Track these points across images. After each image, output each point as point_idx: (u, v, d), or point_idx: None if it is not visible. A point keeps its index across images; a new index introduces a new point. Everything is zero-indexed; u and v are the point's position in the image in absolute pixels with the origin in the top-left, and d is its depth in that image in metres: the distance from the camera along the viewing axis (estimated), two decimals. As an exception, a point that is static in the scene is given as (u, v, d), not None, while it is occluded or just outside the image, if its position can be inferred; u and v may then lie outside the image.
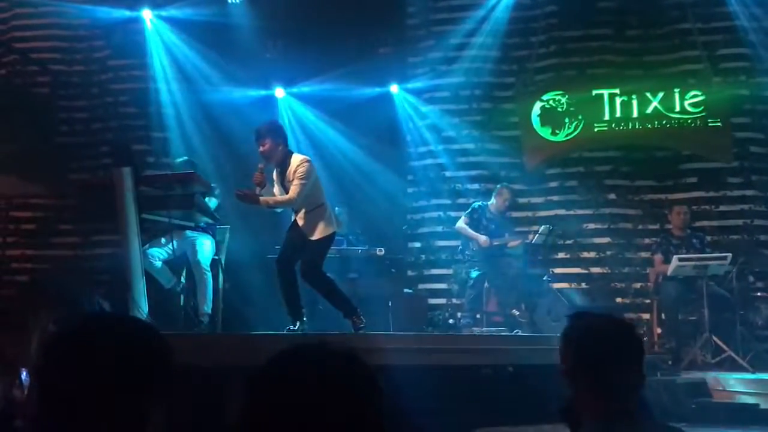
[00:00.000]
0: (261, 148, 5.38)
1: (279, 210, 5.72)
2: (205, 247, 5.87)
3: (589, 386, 1.87)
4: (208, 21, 8.85)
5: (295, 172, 5.28)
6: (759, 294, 7.31)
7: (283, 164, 5.39)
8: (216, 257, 6.04)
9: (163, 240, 5.80)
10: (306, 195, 5.29)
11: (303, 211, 5.36)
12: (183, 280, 5.98)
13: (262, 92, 9.33)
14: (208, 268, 5.83)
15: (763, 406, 5.49)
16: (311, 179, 5.33)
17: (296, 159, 5.37)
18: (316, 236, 5.34)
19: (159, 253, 5.77)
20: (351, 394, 1.15)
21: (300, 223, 5.36)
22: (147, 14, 9.03)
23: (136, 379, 1.26)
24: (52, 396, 1.25)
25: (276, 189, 5.43)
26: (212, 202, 5.97)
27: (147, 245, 5.60)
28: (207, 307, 5.76)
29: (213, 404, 3.93)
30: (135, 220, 4.83)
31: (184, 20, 8.97)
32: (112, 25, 9.16)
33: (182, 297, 5.96)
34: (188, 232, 5.84)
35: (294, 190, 5.24)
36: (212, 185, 6.01)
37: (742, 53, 8.79)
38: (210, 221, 5.80)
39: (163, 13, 9.05)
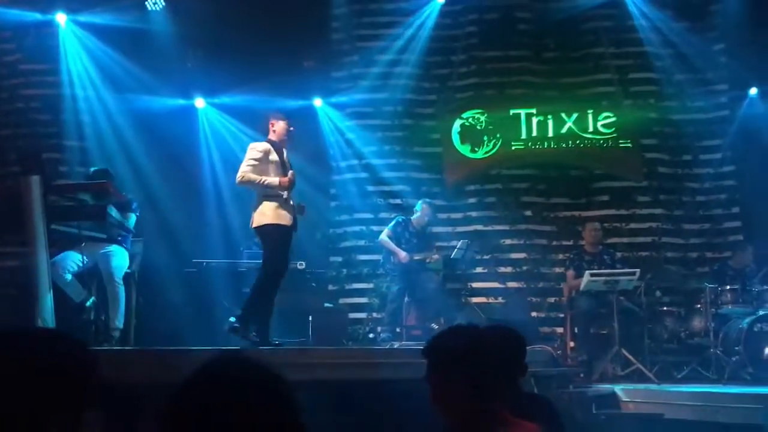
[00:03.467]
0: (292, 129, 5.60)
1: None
2: (118, 260, 5.69)
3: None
4: (127, 27, 8.59)
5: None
6: (665, 308, 7.60)
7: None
8: (129, 270, 5.86)
9: (73, 252, 5.59)
10: None
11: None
12: (94, 294, 5.76)
13: (182, 102, 9.15)
14: (121, 282, 5.65)
15: (667, 416, 5.71)
16: None
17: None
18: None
19: (69, 266, 5.55)
20: (267, 410, 1.14)
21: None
22: (61, 18, 8.71)
23: (39, 393, 1.22)
24: None
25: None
26: (131, 218, 5.80)
27: (56, 257, 5.38)
28: (119, 322, 5.58)
29: (124, 423, 3.80)
30: (43, 230, 4.63)
31: (101, 26, 8.67)
32: (23, 28, 8.79)
33: (93, 311, 5.74)
34: (100, 244, 5.64)
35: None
36: (129, 197, 5.84)
37: (652, 78, 9.24)
38: (123, 233, 5.63)
39: (80, 17, 8.74)
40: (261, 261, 5.61)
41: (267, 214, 5.35)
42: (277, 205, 5.38)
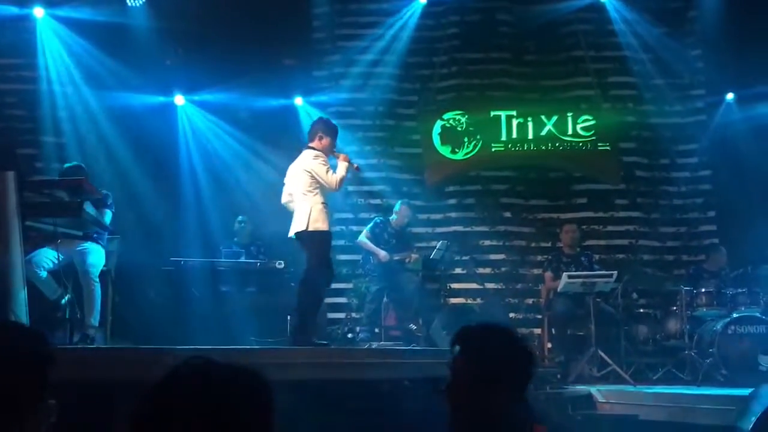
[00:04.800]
0: None
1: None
2: (94, 257, 5.62)
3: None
4: (106, 22, 8.48)
5: None
6: (642, 310, 7.68)
7: None
8: (105, 268, 5.80)
9: (48, 249, 5.52)
10: None
11: None
12: (69, 291, 5.69)
13: (162, 99, 9.07)
14: (97, 279, 5.58)
15: (642, 417, 5.77)
16: None
17: None
18: None
19: (44, 263, 5.48)
20: (241, 411, 1.14)
21: None
22: (39, 12, 8.59)
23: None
24: None
25: None
26: (107, 214, 5.73)
27: (31, 254, 5.31)
28: (95, 320, 5.51)
29: (100, 422, 3.76)
30: (18, 227, 4.56)
31: (80, 20, 8.55)
32: (-1, 22, 8.67)
33: (68, 309, 5.67)
34: (76, 241, 5.57)
35: None
36: (105, 192, 5.76)
37: (630, 82, 9.33)
38: (99, 230, 5.56)
39: (58, 12, 8.62)
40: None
41: (320, 220, 5.50)
42: (326, 212, 5.56)
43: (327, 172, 5.52)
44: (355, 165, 5.81)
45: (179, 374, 1.17)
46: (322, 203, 5.52)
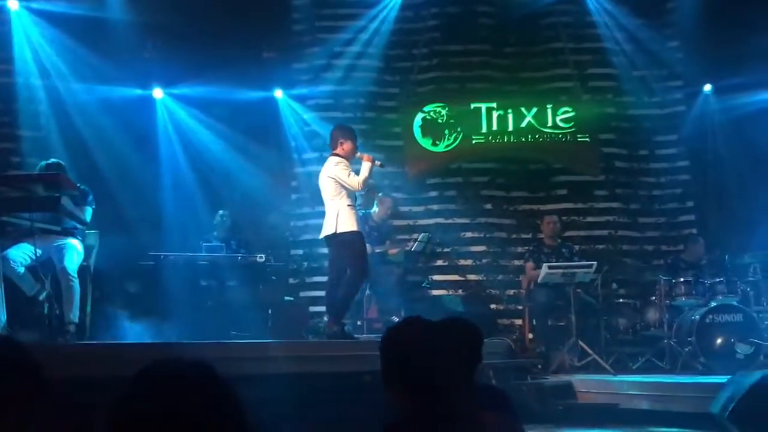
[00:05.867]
0: None
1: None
2: (72, 253, 5.56)
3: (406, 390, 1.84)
4: (84, 15, 8.38)
5: None
6: (621, 300, 7.75)
7: None
8: (85, 263, 5.74)
9: (25, 244, 5.45)
10: None
11: None
12: (48, 287, 5.63)
13: (140, 92, 8.98)
14: (76, 275, 5.52)
15: (622, 406, 5.83)
16: None
17: None
18: None
19: (21, 259, 5.41)
20: (206, 410, 1.13)
21: None
22: (13, 4, 8.46)
23: None
24: None
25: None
26: (87, 211, 5.67)
27: (8, 250, 5.25)
28: (74, 316, 5.45)
29: (80, 420, 3.73)
30: (-6, 223, 4.51)
31: (56, 13, 8.44)
32: (-29, 15, 8.53)
33: (46, 305, 5.62)
34: (54, 237, 5.51)
35: None
36: (84, 188, 5.69)
37: (610, 73, 9.37)
38: (78, 225, 5.50)
39: (33, 4, 8.50)
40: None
41: (348, 221, 5.79)
42: (354, 213, 5.87)
43: (348, 175, 5.80)
44: (378, 162, 6.04)
45: (143, 380, 1.17)
46: (349, 205, 5.83)
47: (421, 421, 1.79)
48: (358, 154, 6.00)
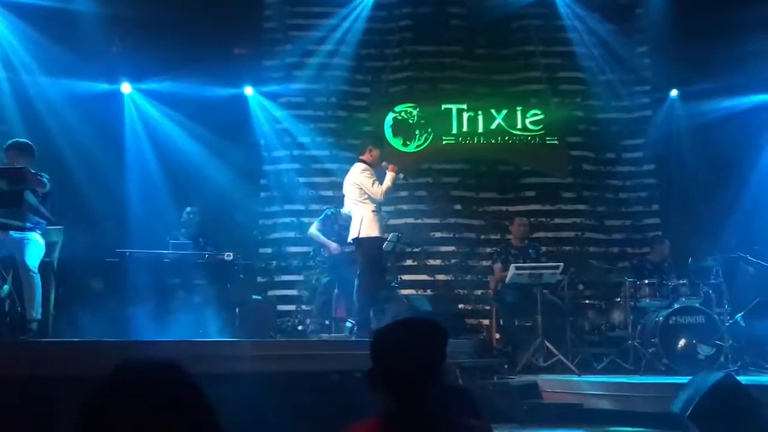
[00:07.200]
0: None
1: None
2: (33, 248, 5.43)
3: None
4: (51, 7, 8.22)
5: None
6: (587, 302, 7.83)
7: None
8: (48, 259, 5.63)
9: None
10: None
11: None
12: (9, 283, 5.52)
13: (107, 86, 8.85)
14: (36, 271, 5.40)
15: (586, 405, 5.90)
16: None
17: None
18: None
19: (-20, 255, 5.29)
20: (178, 411, 1.13)
21: None
22: (-23, -4, 8.28)
23: None
24: None
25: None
26: (44, 177, 5.43)
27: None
28: (36, 313, 5.34)
29: (43, 417, 3.68)
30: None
31: (23, 4, 8.26)
32: (-64, 5, 8.32)
33: (8, 302, 5.51)
34: (13, 232, 5.37)
35: None
36: (43, 176, 5.51)
37: (579, 77, 9.48)
38: (40, 220, 5.39)
39: (-4, -4, 8.33)
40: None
41: (372, 227, 6.05)
42: (377, 218, 6.11)
43: (373, 184, 6.05)
44: (402, 175, 6.36)
45: (114, 381, 1.15)
46: (373, 211, 6.08)
47: (401, 419, 1.83)
48: (384, 163, 6.21)
